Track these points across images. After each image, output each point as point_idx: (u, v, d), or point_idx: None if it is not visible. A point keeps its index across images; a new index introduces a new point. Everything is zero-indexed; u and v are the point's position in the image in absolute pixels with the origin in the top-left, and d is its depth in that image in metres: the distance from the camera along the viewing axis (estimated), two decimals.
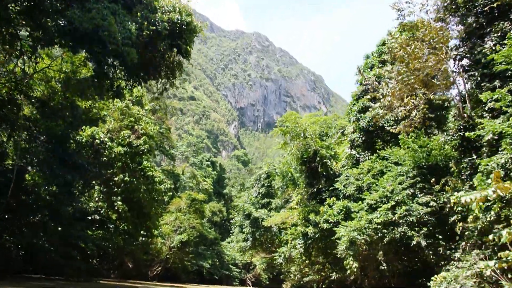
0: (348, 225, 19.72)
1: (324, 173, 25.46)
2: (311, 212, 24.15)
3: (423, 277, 20.21)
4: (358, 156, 26.06)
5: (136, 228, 28.91)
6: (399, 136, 22.55)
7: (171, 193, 32.71)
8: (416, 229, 18.54)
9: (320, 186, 25.68)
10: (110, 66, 17.20)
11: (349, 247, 18.79)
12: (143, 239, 31.72)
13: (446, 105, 25.24)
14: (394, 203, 19.35)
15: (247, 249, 39.97)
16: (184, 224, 41.51)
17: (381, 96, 18.91)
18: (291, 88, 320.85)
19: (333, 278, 23.47)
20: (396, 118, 23.09)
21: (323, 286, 32.06)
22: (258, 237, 37.75)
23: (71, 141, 24.17)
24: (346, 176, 24.13)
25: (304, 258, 25.40)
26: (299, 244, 24.84)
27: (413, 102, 19.57)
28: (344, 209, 22.31)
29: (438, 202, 18.98)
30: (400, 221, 18.77)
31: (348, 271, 18.70)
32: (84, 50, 16.19)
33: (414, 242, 18.12)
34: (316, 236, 23.28)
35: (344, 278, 22.57)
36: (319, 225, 23.07)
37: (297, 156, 27.15)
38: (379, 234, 19.22)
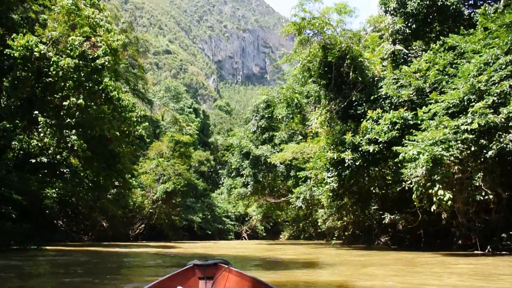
0: (423, 138, 12.76)
1: (359, 79, 18.21)
2: (347, 131, 17.14)
3: None
4: (406, 52, 18.72)
5: (104, 174, 21.44)
6: (478, 11, 15.40)
7: (146, 124, 24.85)
8: None
9: (354, 98, 18.51)
10: None
11: (432, 169, 11.83)
12: (116, 190, 24.44)
13: None
14: (494, 98, 12.43)
15: (247, 196, 32.93)
16: (168, 171, 34.16)
17: None
18: (269, 38, 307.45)
19: (385, 221, 16.68)
20: None
21: (346, 233, 25.79)
22: (261, 179, 30.69)
23: None
24: (395, 78, 17.01)
25: (335, 197, 18.56)
26: (329, 178, 17.92)
27: None
28: (400, 121, 15.33)
29: None
30: (509, 124, 11.94)
31: (434, 207, 11.83)
32: None
33: None
34: (357, 163, 16.32)
35: (411, 220, 15.90)
36: (361, 148, 16.12)
37: (314, 64, 19.72)
38: (472, 148, 12.41)
